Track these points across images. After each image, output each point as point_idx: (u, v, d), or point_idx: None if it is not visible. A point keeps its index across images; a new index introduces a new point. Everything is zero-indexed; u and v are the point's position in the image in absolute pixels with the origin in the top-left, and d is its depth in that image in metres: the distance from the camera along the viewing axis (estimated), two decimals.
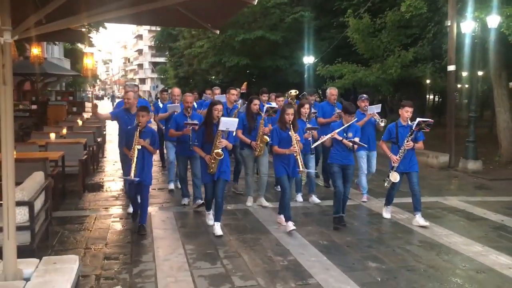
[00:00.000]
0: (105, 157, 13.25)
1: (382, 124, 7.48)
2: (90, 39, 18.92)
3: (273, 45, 22.65)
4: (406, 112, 6.46)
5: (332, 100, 8.46)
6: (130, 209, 6.71)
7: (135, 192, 6.18)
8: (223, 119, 5.84)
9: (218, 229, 5.91)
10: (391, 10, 16.03)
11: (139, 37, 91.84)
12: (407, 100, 7.09)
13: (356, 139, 6.21)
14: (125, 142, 6.21)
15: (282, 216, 6.23)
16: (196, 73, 31.91)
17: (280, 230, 6.17)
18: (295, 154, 5.92)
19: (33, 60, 12.58)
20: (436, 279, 4.64)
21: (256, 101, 7.22)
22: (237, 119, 6.18)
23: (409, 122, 6.43)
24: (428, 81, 18.31)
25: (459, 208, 7.63)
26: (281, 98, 8.84)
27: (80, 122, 13.90)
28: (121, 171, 8.53)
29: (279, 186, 7.52)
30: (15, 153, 6.91)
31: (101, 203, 7.67)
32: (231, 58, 23.68)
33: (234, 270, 4.80)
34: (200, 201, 7.01)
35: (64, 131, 10.72)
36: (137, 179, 5.76)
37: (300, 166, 5.92)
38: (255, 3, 4.33)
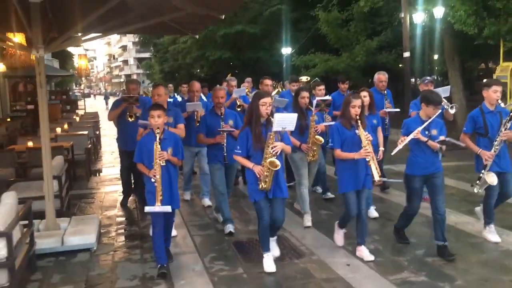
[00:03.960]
0: (101, 148, 14.64)
1: (453, 111, 5.95)
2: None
3: (253, 37, 24.06)
4: (494, 92, 4.91)
5: (380, 87, 6.95)
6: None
7: (164, 224, 4.48)
8: (278, 115, 4.32)
9: (270, 263, 4.50)
10: (357, 3, 17.55)
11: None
12: (492, 79, 6.08)
13: (442, 138, 4.62)
14: (139, 156, 4.48)
15: (362, 248, 4.78)
16: (181, 67, 33.17)
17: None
18: (367, 159, 4.49)
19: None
20: None
21: (305, 93, 5.78)
22: (295, 114, 4.54)
23: (501, 105, 4.99)
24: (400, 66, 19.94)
25: None
26: (296, 84, 7.85)
27: (77, 119, 15.31)
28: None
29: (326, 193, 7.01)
30: (32, 143, 8.36)
31: (106, 183, 9.12)
32: (214, 52, 25.10)
33: None
34: (208, 202, 6.63)
35: (66, 126, 12.12)
36: (167, 208, 4.30)
37: (376, 175, 4.48)
38: (223, 18, 5.81)
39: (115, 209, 7.10)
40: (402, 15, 13.40)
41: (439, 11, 12.10)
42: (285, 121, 4.35)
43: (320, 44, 19.83)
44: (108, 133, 18.93)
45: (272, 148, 4.29)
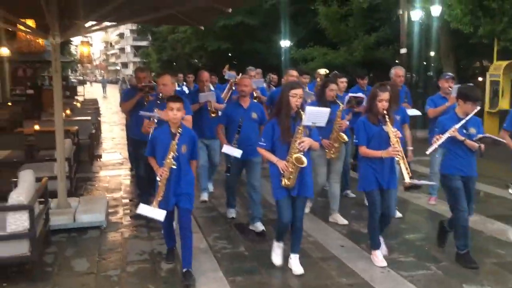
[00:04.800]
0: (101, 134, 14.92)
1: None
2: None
3: (252, 29, 24.28)
4: None
5: (398, 82, 6.39)
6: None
7: (169, 221, 4.33)
8: (310, 109, 4.10)
9: (296, 265, 4.28)
10: None
11: None
12: None
13: (480, 136, 4.36)
14: (150, 150, 4.20)
15: (377, 252, 4.52)
16: (179, 57, 33.36)
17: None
18: (397, 159, 4.19)
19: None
20: None
21: (334, 86, 5.47)
22: (328, 109, 4.31)
23: None
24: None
25: None
26: (307, 76, 7.47)
27: (78, 105, 15.53)
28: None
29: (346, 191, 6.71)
30: (38, 127, 8.63)
31: (110, 167, 9.42)
32: (212, 42, 25.31)
33: None
34: (259, 224, 5.36)
35: (68, 111, 12.36)
36: (161, 214, 3.99)
37: (407, 176, 4.17)
38: (230, 11, 6.09)
39: (120, 191, 7.40)
40: (400, 12, 13.70)
41: (436, 10, 12.42)
42: (317, 115, 4.10)
43: (319, 38, 20.12)
44: (107, 120, 19.25)
45: (299, 143, 4.00)
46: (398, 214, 5.73)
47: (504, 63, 12.18)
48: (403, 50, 13.47)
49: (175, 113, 4.02)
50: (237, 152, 5.23)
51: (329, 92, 5.43)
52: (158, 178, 3.99)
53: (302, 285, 4.00)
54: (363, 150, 4.37)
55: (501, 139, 4.68)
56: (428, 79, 19.88)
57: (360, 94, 6.19)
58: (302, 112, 4.04)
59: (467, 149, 4.38)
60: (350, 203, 6.51)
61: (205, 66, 28.33)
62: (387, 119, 4.25)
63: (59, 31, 5.52)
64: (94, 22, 6.01)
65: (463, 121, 4.33)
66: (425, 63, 19.99)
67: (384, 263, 4.40)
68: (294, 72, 6.72)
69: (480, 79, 17.45)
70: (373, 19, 18.55)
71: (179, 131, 4.00)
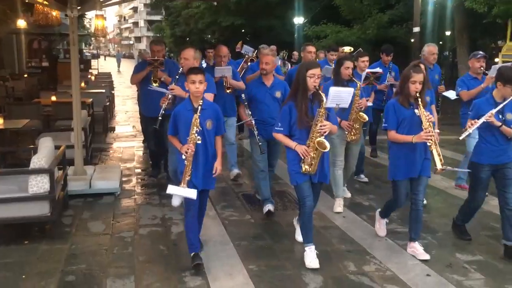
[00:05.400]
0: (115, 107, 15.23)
1: None
2: None
3: (266, 5, 24.17)
4: None
5: (431, 60, 6.14)
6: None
7: (195, 212, 3.86)
8: (334, 89, 3.97)
9: (312, 258, 3.98)
10: None
11: None
12: None
13: None
14: (172, 129, 3.91)
15: (415, 244, 4.24)
16: (192, 32, 33.33)
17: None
18: (429, 144, 3.93)
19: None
20: None
21: (349, 63, 5.11)
22: (352, 89, 4.34)
23: None
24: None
25: None
26: (335, 53, 7.04)
27: (92, 78, 15.82)
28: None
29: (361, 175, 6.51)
30: (55, 98, 8.92)
31: (123, 139, 9.72)
32: (226, 18, 25.29)
33: None
34: (270, 205, 5.17)
35: (83, 84, 12.63)
36: (192, 192, 3.70)
37: (439, 163, 3.91)
38: None
39: (133, 161, 7.69)
40: None
41: None
42: (341, 96, 3.95)
43: (332, 15, 20.01)
44: (121, 94, 19.54)
45: (320, 126, 3.77)
46: (424, 202, 5.05)
47: None
48: (416, 29, 13.42)
49: (198, 86, 3.75)
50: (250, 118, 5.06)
51: (345, 71, 5.06)
52: (183, 157, 3.71)
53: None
54: (393, 134, 4.09)
55: None
56: (443, 59, 19.78)
57: (378, 69, 5.97)
58: (322, 94, 3.81)
59: (501, 136, 4.13)
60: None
61: (218, 41, 28.41)
62: (420, 102, 3.97)
63: (77, 4, 5.73)
64: None
65: (500, 106, 4.04)
66: (441, 42, 19.87)
67: (383, 233, 4.61)
68: (312, 48, 6.35)
69: (496, 60, 17.32)
70: None
71: (200, 103, 3.71)
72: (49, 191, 4.36)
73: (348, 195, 5.87)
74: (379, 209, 4.71)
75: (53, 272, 3.83)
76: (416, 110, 4.01)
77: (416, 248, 4.20)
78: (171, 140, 3.96)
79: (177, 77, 4.94)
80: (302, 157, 3.85)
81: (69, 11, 5.61)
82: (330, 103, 3.91)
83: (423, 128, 3.92)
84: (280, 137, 4.00)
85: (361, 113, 5.19)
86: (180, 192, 3.76)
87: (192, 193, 3.68)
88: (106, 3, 6.59)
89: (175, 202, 4.91)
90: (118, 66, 41.87)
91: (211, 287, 3.64)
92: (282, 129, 3.96)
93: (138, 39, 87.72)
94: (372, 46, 18.43)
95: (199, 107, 3.71)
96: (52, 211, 4.42)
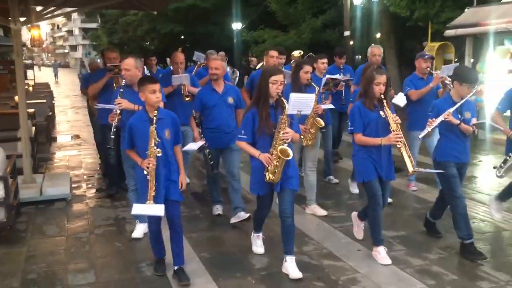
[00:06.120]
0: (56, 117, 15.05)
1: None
2: None
3: (205, 12, 24.61)
4: None
5: (374, 61, 6.13)
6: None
7: (158, 223, 3.83)
8: (294, 96, 3.77)
9: (293, 267, 3.87)
10: None
11: None
12: None
13: (474, 120, 4.24)
14: (129, 142, 3.77)
15: (380, 248, 4.18)
16: (131, 40, 33.13)
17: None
18: (398, 146, 3.91)
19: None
20: None
21: (308, 68, 5.05)
22: (313, 95, 4.23)
23: None
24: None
25: None
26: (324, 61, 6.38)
27: (30, 89, 15.52)
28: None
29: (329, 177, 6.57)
30: None
31: (68, 147, 9.79)
32: (165, 25, 25.47)
33: None
34: (243, 213, 5.01)
35: None
36: (160, 209, 3.58)
37: (410, 165, 3.94)
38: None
39: (81, 169, 7.83)
40: None
41: None
42: (302, 103, 3.80)
43: (269, 20, 20.76)
44: (61, 104, 19.21)
45: (283, 134, 3.68)
46: (389, 200, 5.15)
47: (437, 44, 13.23)
48: (346, 33, 14.33)
49: (158, 96, 3.64)
50: (195, 145, 5.02)
51: (304, 75, 4.96)
52: (145, 172, 3.57)
53: (246, 235, 4.63)
54: (360, 137, 4.05)
55: (498, 126, 4.48)
56: None
57: (337, 76, 6.05)
58: (284, 100, 3.73)
59: (461, 134, 4.20)
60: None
61: (157, 49, 28.44)
62: (385, 104, 3.98)
63: (19, 16, 5.86)
64: (53, 8, 6.35)
65: (457, 105, 4.11)
66: (373, 45, 21.00)
67: (388, 261, 4.08)
68: (275, 52, 6.10)
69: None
70: (320, 2, 19.36)
71: (155, 114, 3.58)
72: (4, 197, 4.53)
73: (324, 213, 5.37)
74: (356, 213, 4.61)
75: (15, 272, 4.04)
76: (381, 112, 4.00)
77: (379, 252, 4.17)
78: (129, 154, 3.82)
79: (121, 90, 4.60)
80: (266, 166, 3.75)
81: (12, 24, 5.74)
82: (292, 109, 3.76)
83: (391, 130, 3.92)
84: (244, 145, 3.88)
85: (318, 118, 5.20)
86: (146, 211, 3.61)
87: (159, 209, 3.57)
88: (49, 14, 6.71)
89: (137, 231, 4.78)
90: (56, 76, 40.43)
91: (167, 275, 3.98)
92: (245, 137, 3.85)
93: (73, 48, 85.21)
94: (308, 49, 19.34)
95: (155, 118, 3.57)
96: (7, 216, 4.59)
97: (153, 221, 3.78)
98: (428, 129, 4.08)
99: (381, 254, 4.15)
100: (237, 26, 23.65)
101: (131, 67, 4.55)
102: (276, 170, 3.75)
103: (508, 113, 4.85)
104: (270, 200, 4.02)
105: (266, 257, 4.30)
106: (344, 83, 6.65)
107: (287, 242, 3.90)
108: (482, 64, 9.92)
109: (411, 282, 3.81)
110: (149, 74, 7.27)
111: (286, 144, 3.71)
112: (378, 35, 19.32)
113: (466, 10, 10.99)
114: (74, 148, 9.74)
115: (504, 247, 4.59)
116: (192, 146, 5.07)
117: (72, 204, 5.91)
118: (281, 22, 20.02)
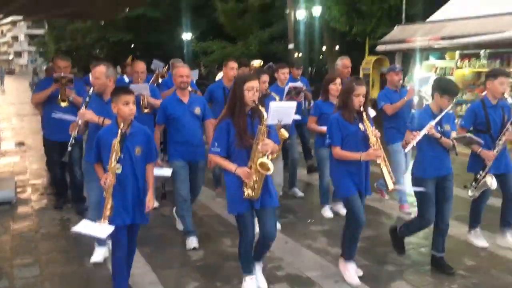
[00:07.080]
0: None
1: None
2: None
3: (155, 21, 24.82)
4: (500, 84, 4.40)
5: (345, 74, 5.91)
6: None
7: (124, 253, 3.50)
8: (274, 105, 3.54)
9: (259, 276, 3.83)
10: None
11: None
12: (499, 68, 5.23)
13: (454, 134, 4.10)
14: (97, 156, 3.48)
15: (350, 264, 4.02)
16: (79, 47, 32.73)
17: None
18: (378, 162, 3.75)
19: None
20: None
21: (265, 77, 4.90)
22: (294, 103, 3.84)
23: (507, 100, 4.48)
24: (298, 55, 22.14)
25: None
26: (286, 70, 6.31)
27: None
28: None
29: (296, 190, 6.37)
30: None
31: (13, 154, 9.79)
32: (114, 34, 25.46)
33: None
34: (196, 242, 4.71)
35: None
36: (105, 230, 3.25)
37: (390, 183, 3.80)
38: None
39: (27, 174, 7.95)
40: (287, 11, 15.29)
41: (317, 10, 14.19)
42: (282, 112, 3.56)
43: (218, 31, 21.32)
44: (5, 111, 18.85)
45: (262, 146, 3.35)
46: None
47: (373, 58, 14.19)
48: (290, 46, 15.07)
49: (132, 108, 3.37)
50: (166, 172, 4.57)
51: (262, 85, 4.62)
52: (103, 188, 3.30)
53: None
54: (338, 151, 3.84)
55: (480, 140, 4.25)
56: (323, 72, 21.87)
57: (299, 84, 5.93)
58: (262, 109, 3.44)
59: (441, 147, 4.03)
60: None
61: (107, 57, 28.31)
62: (364, 116, 3.82)
63: None
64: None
65: (438, 117, 3.96)
66: (321, 57, 22.02)
67: (357, 281, 3.90)
68: (234, 64, 5.87)
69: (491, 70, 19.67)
70: (268, 16, 20.13)
71: (121, 127, 3.32)
72: None
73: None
74: (341, 254, 4.12)
75: None
76: (361, 125, 3.83)
77: (348, 269, 3.99)
78: (95, 168, 3.51)
79: (87, 100, 4.22)
80: (245, 181, 3.43)
81: None
82: (272, 120, 3.49)
83: (370, 144, 3.76)
84: (218, 159, 3.54)
85: (282, 129, 4.84)
86: (89, 230, 3.28)
87: (104, 231, 3.22)
88: (4, 21, 6.86)
89: (97, 254, 4.44)
90: (1, 83, 37.99)
91: (109, 267, 4.29)
92: (219, 149, 3.50)
93: (18, 54, 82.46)
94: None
95: (120, 131, 3.30)
96: None
97: (122, 249, 3.42)
98: (413, 143, 3.88)
99: (350, 271, 3.96)
100: (187, 36, 24.02)
101: (101, 75, 4.13)
102: (255, 186, 3.43)
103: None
104: (252, 220, 3.61)
105: (203, 250, 4.69)
106: (303, 94, 6.47)
107: (260, 253, 3.81)
108: (410, 77, 10.83)
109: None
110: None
111: (266, 156, 3.38)
112: (324, 48, 20.30)
113: (395, 27, 11.94)
114: (19, 154, 9.77)
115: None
116: (163, 173, 4.53)
117: (17, 207, 6.09)
118: (229, 34, 20.61)
